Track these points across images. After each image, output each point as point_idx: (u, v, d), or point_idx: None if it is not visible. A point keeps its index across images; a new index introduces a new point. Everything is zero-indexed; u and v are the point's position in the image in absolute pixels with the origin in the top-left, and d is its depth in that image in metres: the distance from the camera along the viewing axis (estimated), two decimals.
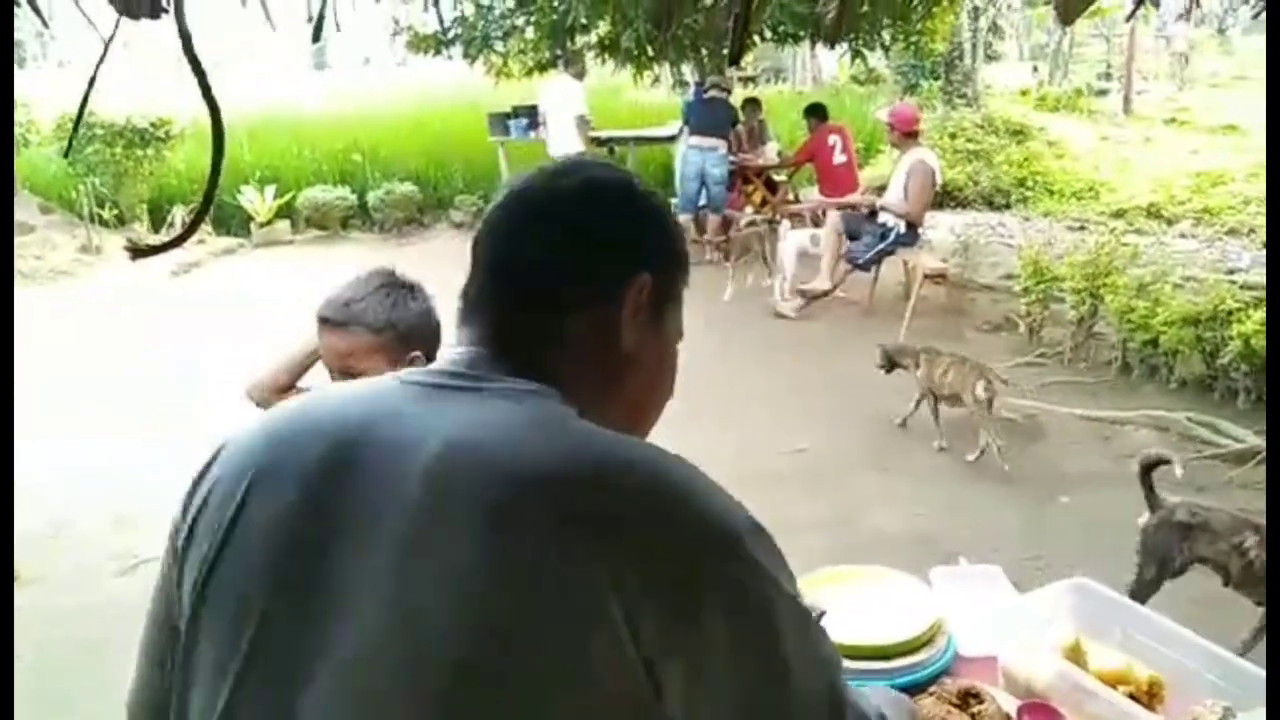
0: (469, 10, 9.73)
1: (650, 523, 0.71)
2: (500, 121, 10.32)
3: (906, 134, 6.93)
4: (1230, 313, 5.23)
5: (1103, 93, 19.31)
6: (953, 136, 12.61)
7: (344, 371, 1.80)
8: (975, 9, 14.20)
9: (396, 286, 1.88)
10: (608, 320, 0.87)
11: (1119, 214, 10.50)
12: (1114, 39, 21.34)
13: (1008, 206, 11.53)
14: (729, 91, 9.21)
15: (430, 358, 1.82)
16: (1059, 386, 5.71)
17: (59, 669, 3.18)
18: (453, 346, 0.90)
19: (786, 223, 8.17)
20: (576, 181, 0.92)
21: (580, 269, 0.88)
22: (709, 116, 8.86)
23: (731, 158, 8.99)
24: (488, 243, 0.91)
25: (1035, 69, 22.83)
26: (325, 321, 1.86)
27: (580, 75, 9.48)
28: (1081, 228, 10.05)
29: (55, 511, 4.33)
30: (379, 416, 0.80)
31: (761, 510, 0.80)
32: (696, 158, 8.80)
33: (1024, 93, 18.59)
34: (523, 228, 0.90)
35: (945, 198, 11.09)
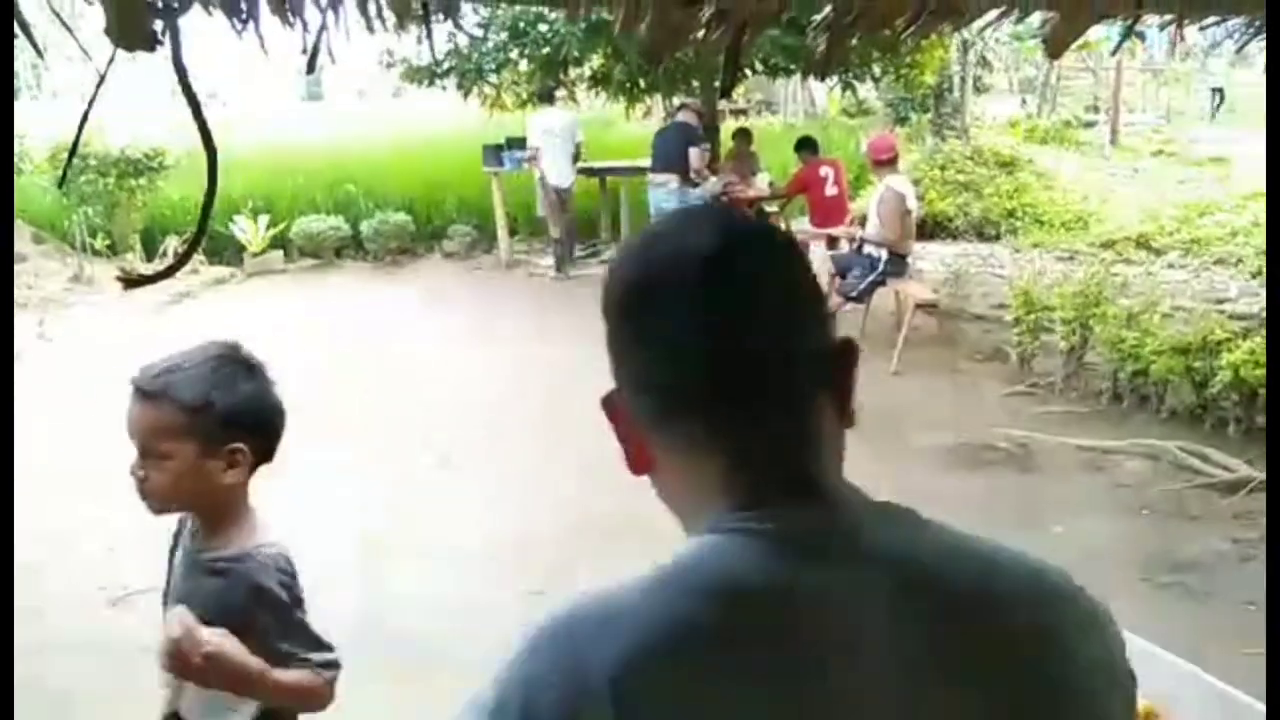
0: (462, 42, 9.80)
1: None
2: (494, 153, 10.38)
3: (882, 162, 7.02)
4: (1220, 342, 5.26)
5: (1090, 124, 19.51)
6: (943, 168, 12.70)
7: (145, 452, 1.57)
8: (964, 42, 14.35)
9: (231, 362, 1.61)
10: None
11: (1108, 244, 10.58)
12: (1101, 72, 21.58)
13: (998, 237, 11.61)
14: (700, 113, 9.13)
15: (259, 452, 1.61)
16: (1051, 416, 5.73)
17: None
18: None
19: None
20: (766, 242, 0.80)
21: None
22: (660, 148, 8.92)
23: (724, 189, 9.04)
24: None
25: (1024, 101, 23.05)
26: (136, 390, 1.59)
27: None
28: (1071, 258, 10.11)
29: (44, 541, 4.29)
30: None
31: None
32: (653, 196, 8.95)
33: (1013, 125, 18.76)
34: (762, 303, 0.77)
35: (936, 229, 11.16)
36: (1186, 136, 18.24)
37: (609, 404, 0.79)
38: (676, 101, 9.86)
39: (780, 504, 0.72)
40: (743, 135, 10.33)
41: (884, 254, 6.83)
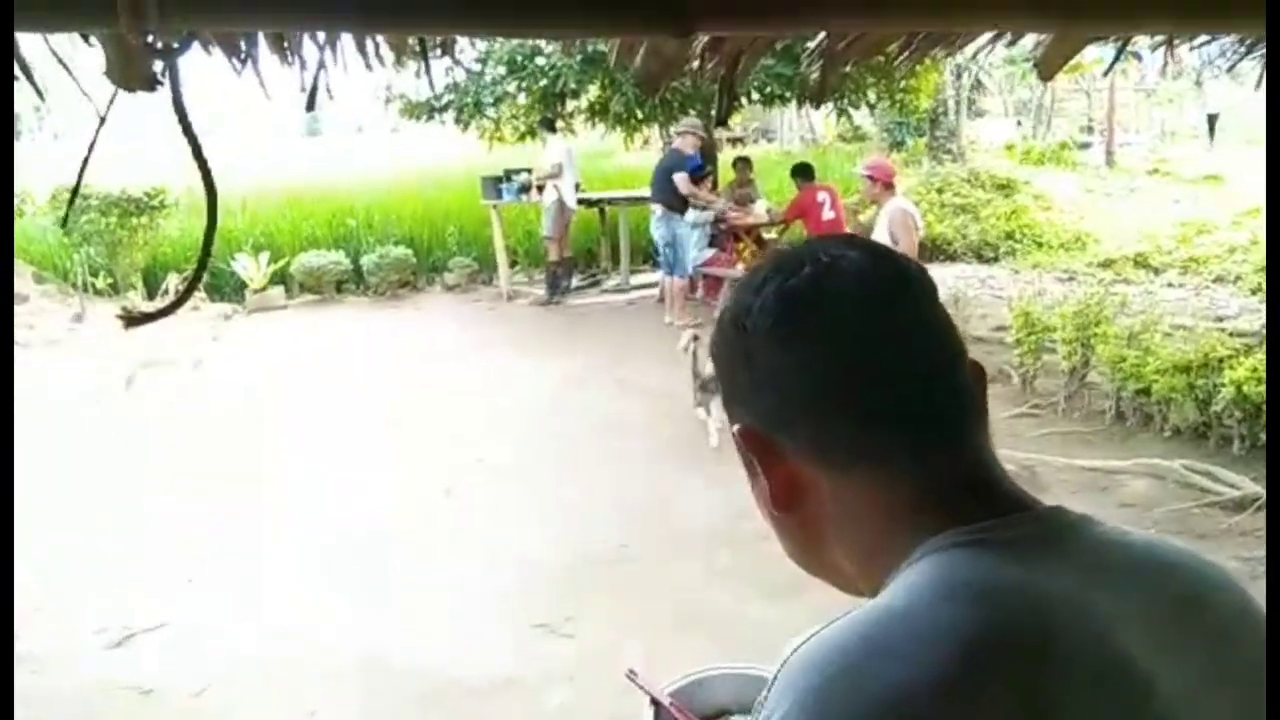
0: (461, 77, 9.89)
1: None
2: (492, 185, 10.45)
3: (887, 185, 7.05)
4: (1222, 359, 5.26)
5: (1085, 146, 19.64)
6: (939, 191, 12.77)
7: None
8: (958, 67, 14.49)
9: None
10: None
11: (1107, 264, 10.61)
12: (1094, 93, 21.74)
13: (996, 259, 11.65)
14: (701, 139, 8.99)
15: None
16: (1054, 437, 5.71)
17: None
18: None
19: None
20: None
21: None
22: (655, 177, 8.93)
23: (721, 216, 9.08)
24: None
25: (1019, 124, 23.23)
26: None
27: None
28: (1070, 279, 10.14)
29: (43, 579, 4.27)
30: None
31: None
32: (651, 223, 9.10)
33: (1009, 147, 18.90)
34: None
35: (934, 251, 11.20)
36: (1182, 155, 18.34)
37: (750, 438, 0.75)
38: (675, 128, 9.90)
39: (992, 516, 0.70)
40: (743, 163, 10.39)
41: None
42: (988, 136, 19.93)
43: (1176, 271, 10.16)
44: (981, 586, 0.65)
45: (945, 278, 9.10)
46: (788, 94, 9.60)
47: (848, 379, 0.72)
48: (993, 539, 0.68)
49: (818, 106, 13.65)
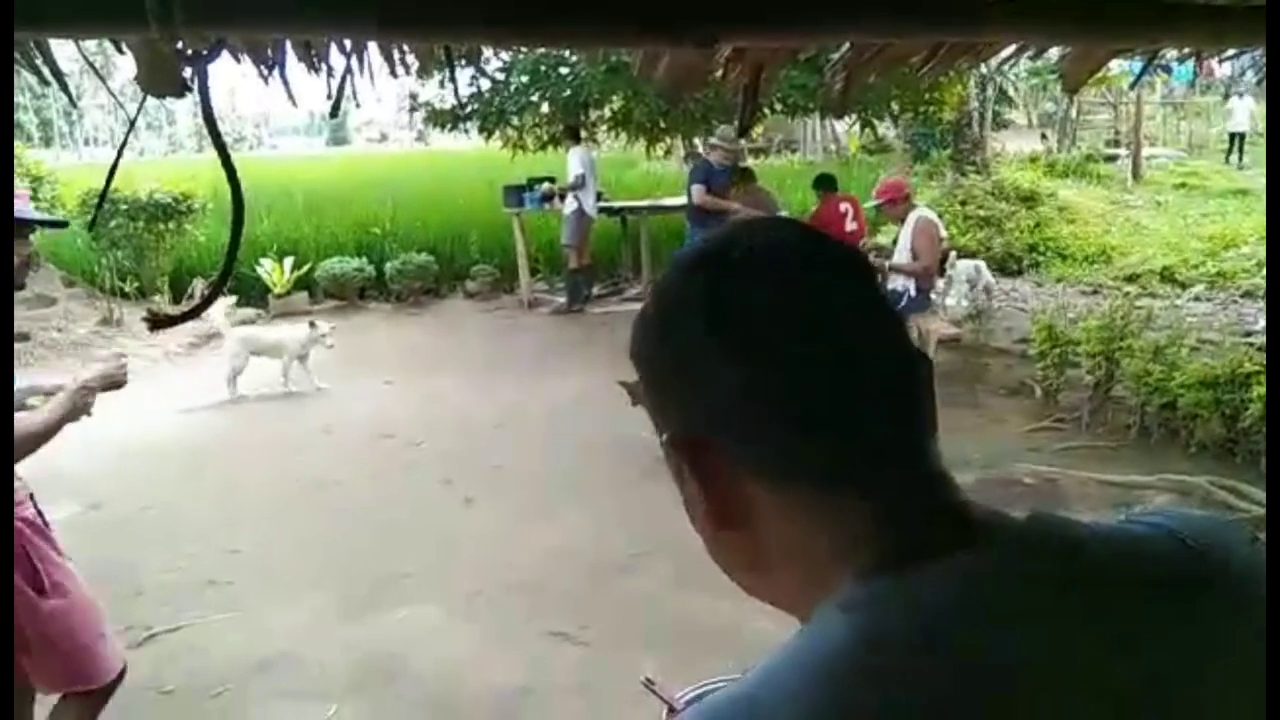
0: (485, 86, 9.95)
1: None
2: (515, 193, 10.50)
3: (902, 199, 7.03)
4: (1250, 375, 5.19)
5: (1111, 158, 19.49)
6: (963, 203, 12.71)
7: None
8: (983, 78, 14.42)
9: None
10: None
11: (1132, 278, 10.52)
12: (1121, 106, 21.59)
13: (1020, 272, 11.58)
14: (731, 152, 8.90)
15: None
16: (1077, 451, 5.66)
17: None
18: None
19: None
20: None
21: None
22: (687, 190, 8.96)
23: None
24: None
25: (1044, 136, 23.08)
26: None
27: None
28: (1095, 292, 10.07)
29: None
30: None
31: None
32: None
33: (1033, 159, 18.78)
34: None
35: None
36: (1209, 169, 18.16)
37: (684, 449, 0.67)
38: (706, 141, 9.90)
39: (939, 553, 0.61)
40: (743, 174, 10.36)
41: (911, 287, 6.81)
42: (1012, 149, 19.81)
43: (1204, 286, 10.05)
44: (879, 661, 0.57)
45: (968, 290, 9.04)
46: (811, 105, 9.59)
47: (784, 379, 0.63)
48: (927, 578, 0.60)
49: (841, 117, 13.65)
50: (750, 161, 14.67)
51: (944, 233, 7.20)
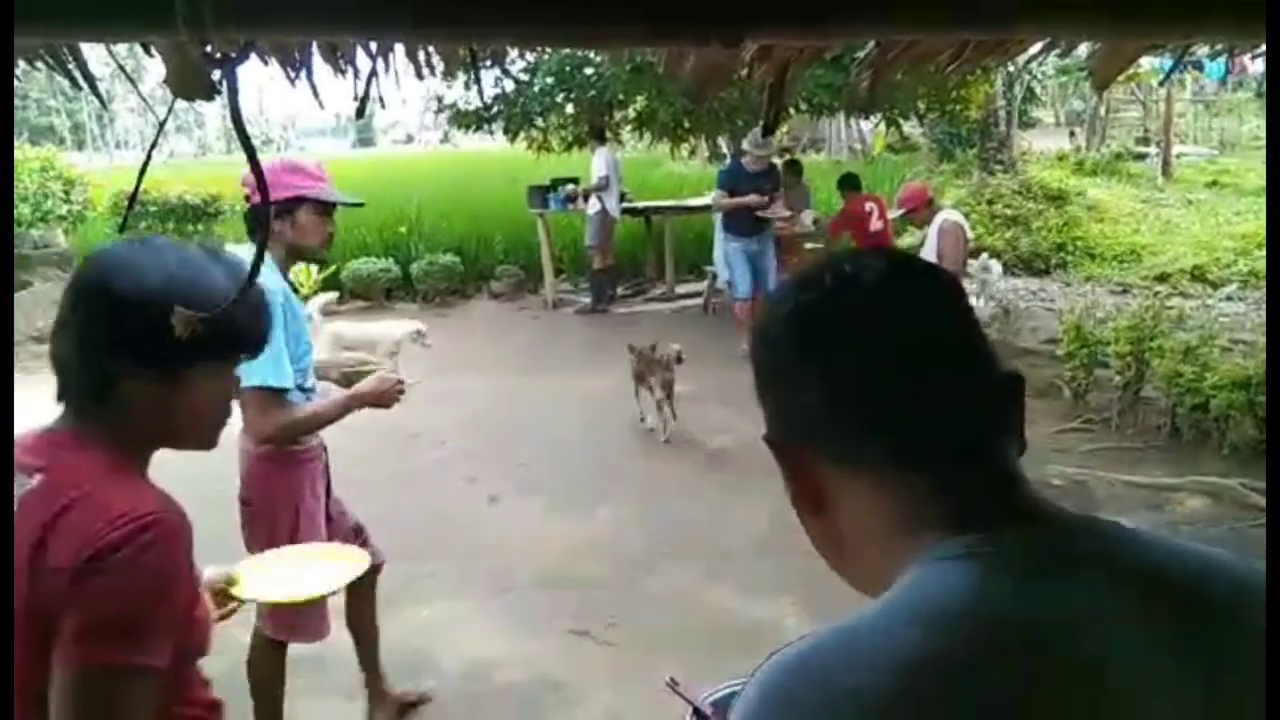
0: (510, 87, 9.99)
1: None
2: (539, 194, 10.53)
3: (925, 205, 6.98)
4: None
5: (1141, 156, 19.28)
6: (990, 202, 12.61)
7: None
8: (1010, 77, 14.30)
9: None
10: None
11: (1162, 277, 10.39)
12: (1151, 104, 21.34)
13: (1047, 271, 11.47)
14: (765, 155, 8.37)
15: None
16: (1106, 452, 5.60)
17: None
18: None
19: None
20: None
21: None
22: None
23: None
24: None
25: (1072, 134, 22.87)
26: None
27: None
28: (1124, 291, 9.95)
29: None
30: None
31: None
32: None
33: (1061, 158, 18.61)
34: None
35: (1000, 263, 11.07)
36: (1242, 167, 17.91)
37: (777, 445, 0.79)
38: (731, 141, 9.78)
39: (1004, 526, 0.71)
40: (791, 167, 10.27)
41: None
42: (1040, 147, 19.64)
43: (1236, 285, 9.91)
44: (936, 612, 0.67)
45: (994, 290, 8.97)
46: (836, 103, 9.55)
47: (861, 386, 0.74)
48: (976, 555, 0.69)
49: (866, 116, 13.58)
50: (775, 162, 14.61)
51: (970, 234, 7.14)
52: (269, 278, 2.50)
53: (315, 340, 7.40)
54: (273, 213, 2.64)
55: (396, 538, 4.77)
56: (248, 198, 2.71)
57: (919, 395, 0.74)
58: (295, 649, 3.72)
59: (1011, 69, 14.44)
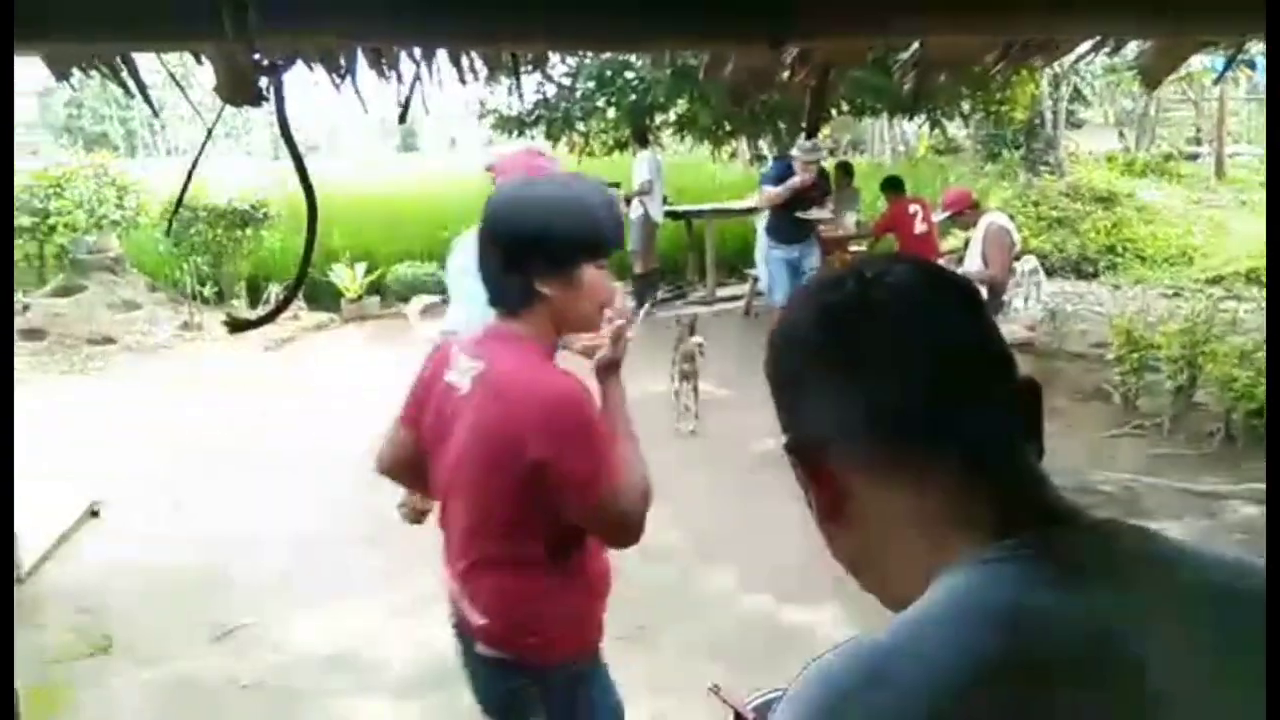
0: (551, 91, 10.04)
1: None
2: None
3: (970, 208, 6.89)
4: None
5: (1193, 157, 18.89)
6: (1036, 204, 12.43)
7: None
8: (1057, 76, 14.09)
9: None
10: None
11: (1216, 280, 10.17)
12: (1203, 103, 20.90)
13: (1096, 274, 11.28)
14: (814, 161, 7.99)
15: None
16: (1158, 458, 5.49)
17: None
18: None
19: None
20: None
21: None
22: None
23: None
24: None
25: (1121, 135, 22.47)
26: None
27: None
28: (1176, 294, 9.75)
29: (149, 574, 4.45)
30: None
31: None
32: None
33: (1110, 159, 18.28)
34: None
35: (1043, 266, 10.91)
36: None
37: (799, 450, 0.79)
38: (775, 144, 9.70)
39: (1034, 529, 0.70)
40: (842, 169, 10.19)
41: (983, 293, 6.66)
42: (1088, 148, 19.31)
43: None
44: (993, 611, 0.66)
45: (1041, 293, 8.84)
46: (879, 105, 9.48)
47: (885, 393, 0.74)
48: (1021, 556, 0.69)
49: (910, 118, 13.44)
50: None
51: (1017, 237, 7.03)
52: None
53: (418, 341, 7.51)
54: None
55: (438, 539, 4.81)
56: (494, 181, 3.04)
57: (948, 398, 0.73)
58: (323, 651, 3.77)
59: (1058, 68, 14.24)
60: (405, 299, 11.15)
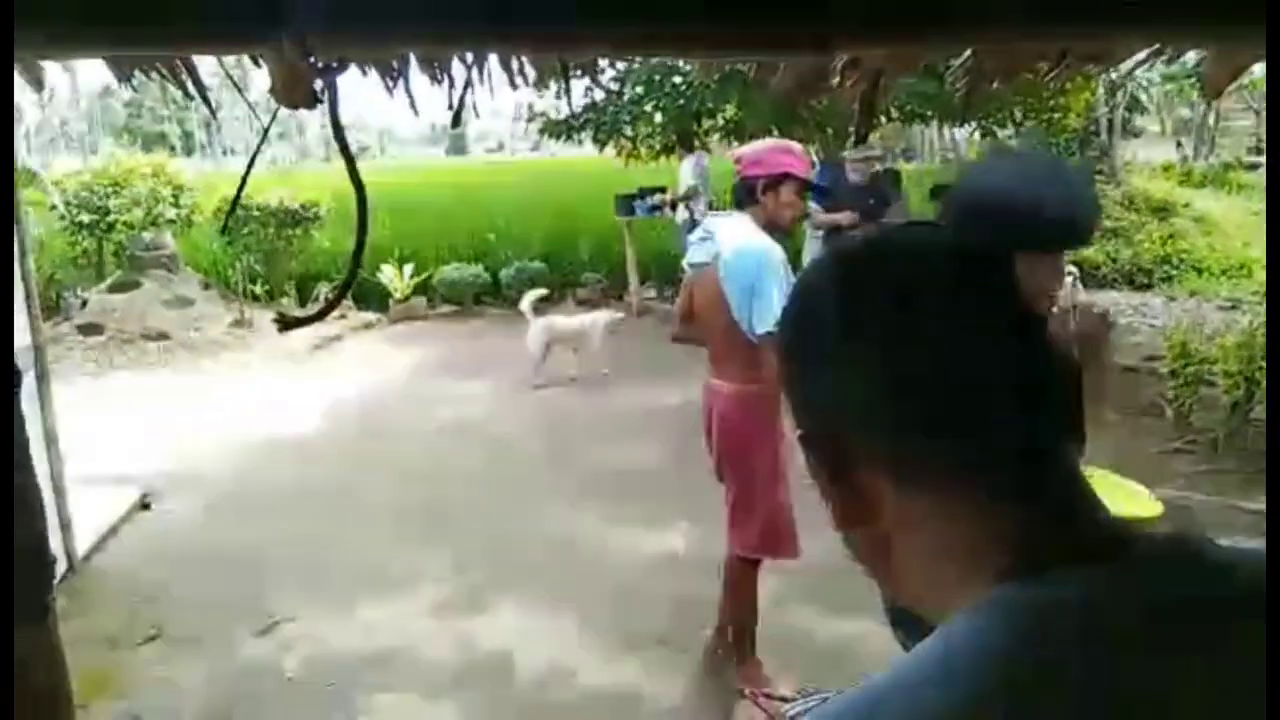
0: (599, 96, 10.08)
1: None
2: (626, 202, 10.59)
3: None
4: None
5: (1254, 167, 18.44)
6: None
7: None
8: (1113, 84, 13.84)
9: None
10: None
11: None
12: (1264, 112, 20.40)
13: (1150, 286, 11.06)
14: (870, 168, 8.00)
15: None
16: (1211, 475, 5.36)
17: None
18: None
19: None
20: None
21: None
22: None
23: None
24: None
25: (1179, 144, 22.03)
26: None
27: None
28: (1233, 307, 9.53)
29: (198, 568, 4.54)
30: None
31: None
32: None
33: (1167, 168, 17.93)
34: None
35: (1082, 276, 10.71)
36: None
37: (813, 445, 0.68)
38: (824, 157, 9.58)
39: (1075, 557, 0.60)
40: (890, 177, 10.08)
41: None
42: (1144, 157, 18.95)
43: None
44: (1004, 663, 0.57)
45: (1094, 304, 8.69)
46: (929, 112, 9.38)
47: (915, 380, 0.63)
48: (1052, 597, 0.59)
49: (962, 125, 13.29)
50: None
51: None
52: (763, 241, 3.11)
53: (529, 333, 7.69)
54: (760, 186, 3.16)
55: (480, 540, 4.86)
56: (738, 172, 3.25)
57: (991, 397, 0.63)
58: (365, 647, 3.82)
59: (1115, 75, 13.97)
60: (452, 300, 11.26)
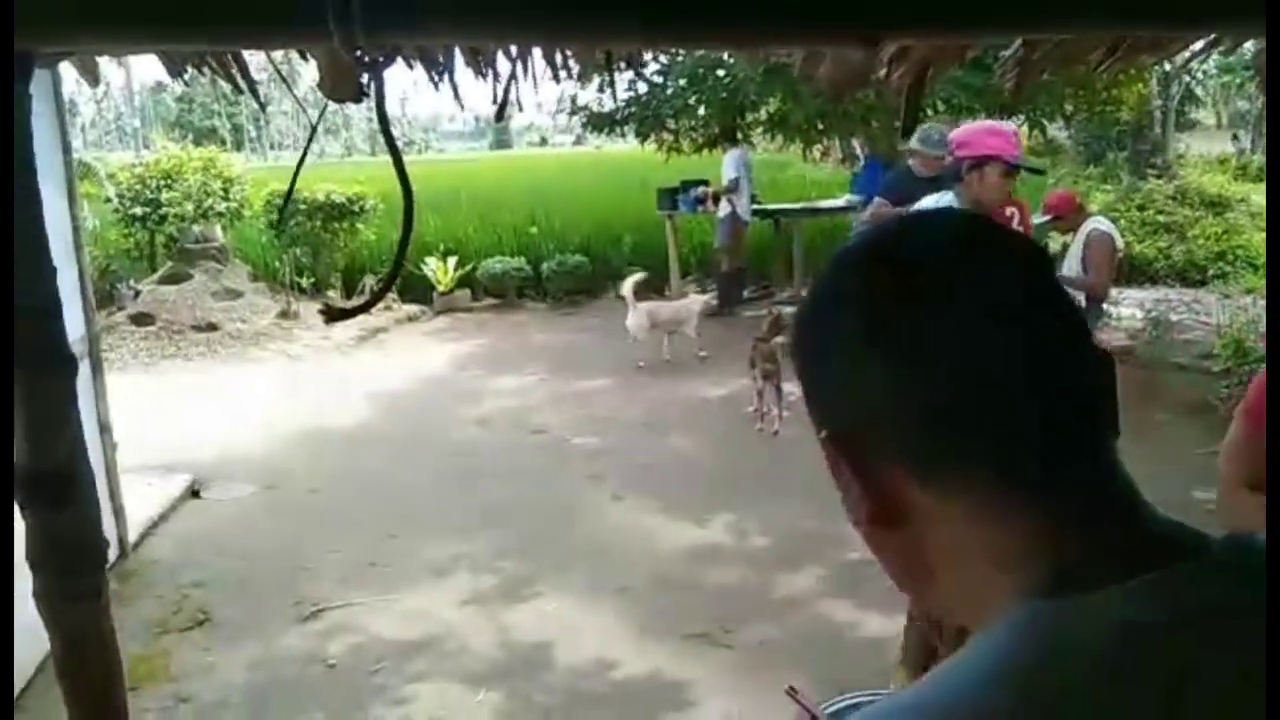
0: (642, 89, 10.07)
1: None
2: (668, 196, 10.57)
3: (1073, 212, 6.63)
4: None
5: None
6: (1141, 208, 11.97)
7: None
8: (1167, 76, 13.55)
9: None
10: None
11: None
12: None
13: (1203, 282, 10.82)
14: (939, 156, 7.91)
15: None
16: None
17: None
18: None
19: None
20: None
21: None
22: None
23: None
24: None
25: (1235, 137, 21.52)
26: None
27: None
28: None
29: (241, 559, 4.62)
30: None
31: None
32: None
33: (1222, 162, 17.52)
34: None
35: (1133, 273, 10.51)
36: None
37: (839, 444, 0.65)
38: (869, 151, 9.46)
39: (1124, 562, 0.56)
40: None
41: (1080, 299, 6.43)
42: (1198, 150, 18.54)
43: None
44: (1050, 672, 0.54)
45: (1144, 301, 8.53)
46: (976, 105, 9.24)
47: (944, 377, 0.60)
48: (1097, 598, 0.55)
49: (1009, 118, 13.08)
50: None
51: (1120, 243, 6.73)
52: None
53: (630, 317, 7.80)
54: (965, 167, 3.24)
55: (521, 531, 4.89)
56: (954, 154, 3.33)
57: (1029, 398, 0.59)
58: (407, 635, 3.86)
59: (1169, 67, 13.68)
60: (494, 293, 11.34)
